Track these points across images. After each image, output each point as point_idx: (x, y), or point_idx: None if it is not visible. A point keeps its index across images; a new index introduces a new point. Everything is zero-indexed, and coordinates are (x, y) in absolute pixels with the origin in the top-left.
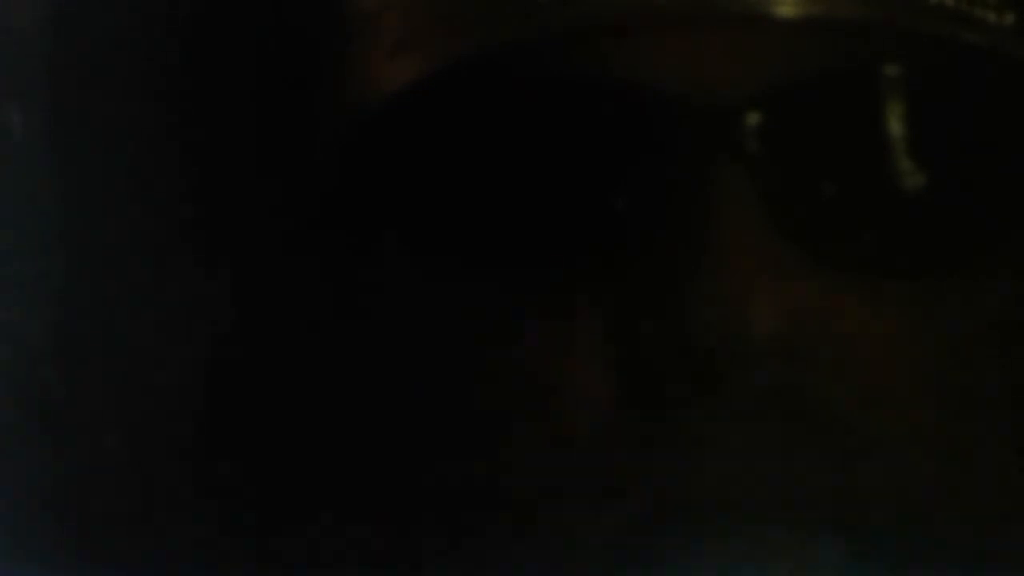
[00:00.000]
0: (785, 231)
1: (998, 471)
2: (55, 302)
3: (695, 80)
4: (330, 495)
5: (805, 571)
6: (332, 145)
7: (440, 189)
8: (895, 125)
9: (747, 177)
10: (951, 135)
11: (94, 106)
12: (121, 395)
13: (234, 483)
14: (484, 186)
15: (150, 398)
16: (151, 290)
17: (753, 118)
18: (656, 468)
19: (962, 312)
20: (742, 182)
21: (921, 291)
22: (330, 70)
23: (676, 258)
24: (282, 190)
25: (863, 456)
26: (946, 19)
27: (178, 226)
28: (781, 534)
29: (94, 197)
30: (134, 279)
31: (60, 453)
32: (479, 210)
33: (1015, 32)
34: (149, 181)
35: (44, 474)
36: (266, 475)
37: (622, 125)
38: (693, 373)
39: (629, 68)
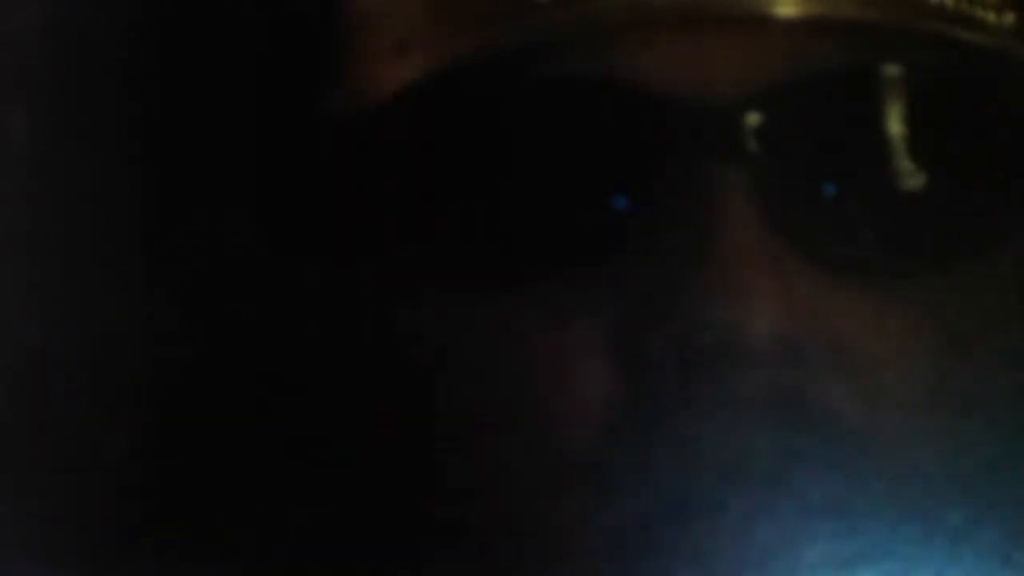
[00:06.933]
0: (785, 231)
1: (999, 470)
2: (56, 302)
3: (695, 80)
4: (328, 495)
5: (804, 572)
6: (332, 145)
7: (440, 189)
8: (895, 125)
9: (747, 177)
10: (951, 135)
11: (94, 106)
12: (122, 397)
13: (233, 484)
14: (483, 186)
15: (150, 400)
16: (150, 291)
17: (753, 118)
18: (656, 468)
19: (962, 312)
20: (742, 182)
21: (921, 291)
22: (330, 70)
23: (676, 258)
24: (282, 191)
25: (863, 456)
26: (946, 19)
27: (176, 226)
28: (780, 534)
29: (93, 197)
30: (133, 280)
31: (59, 453)
32: (478, 210)
33: (1015, 32)
34: (147, 181)
35: (43, 474)
36: (267, 475)
37: (622, 125)
38: (693, 373)
39: (629, 68)
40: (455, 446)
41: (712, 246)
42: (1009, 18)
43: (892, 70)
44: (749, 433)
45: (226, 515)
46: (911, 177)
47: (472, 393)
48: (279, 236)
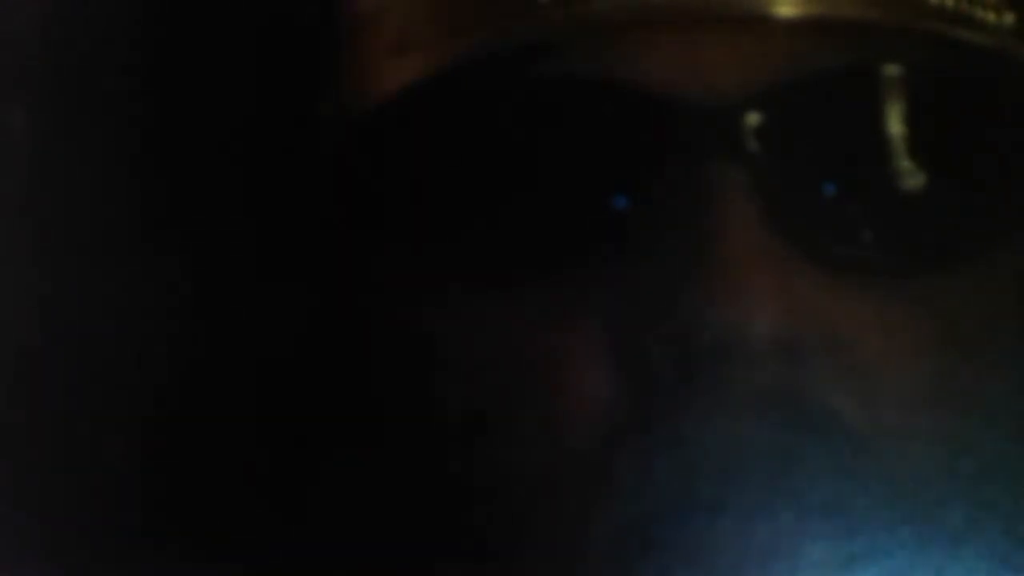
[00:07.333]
0: (785, 231)
1: (999, 470)
2: (56, 302)
3: (695, 80)
4: (327, 496)
5: (804, 572)
6: (332, 145)
7: (440, 189)
8: (895, 125)
9: (747, 177)
10: (951, 135)
11: (94, 106)
12: (122, 396)
13: (233, 485)
14: (484, 186)
15: (150, 400)
16: (151, 291)
17: (753, 118)
18: (656, 468)
19: (962, 311)
20: (742, 182)
21: (921, 290)
22: (330, 70)
23: (676, 258)
24: (281, 191)
25: (863, 456)
26: (946, 19)
27: (176, 227)
28: (780, 534)
29: (93, 197)
30: (133, 280)
31: (57, 454)
32: (478, 210)
33: (1015, 32)
34: (147, 181)
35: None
36: (267, 475)
37: (622, 125)
38: (693, 373)
39: (629, 68)
40: (455, 446)
41: (712, 246)
42: (1009, 18)
43: (892, 70)
44: (749, 433)
45: (226, 515)
46: (911, 177)
47: (472, 393)
48: (279, 236)
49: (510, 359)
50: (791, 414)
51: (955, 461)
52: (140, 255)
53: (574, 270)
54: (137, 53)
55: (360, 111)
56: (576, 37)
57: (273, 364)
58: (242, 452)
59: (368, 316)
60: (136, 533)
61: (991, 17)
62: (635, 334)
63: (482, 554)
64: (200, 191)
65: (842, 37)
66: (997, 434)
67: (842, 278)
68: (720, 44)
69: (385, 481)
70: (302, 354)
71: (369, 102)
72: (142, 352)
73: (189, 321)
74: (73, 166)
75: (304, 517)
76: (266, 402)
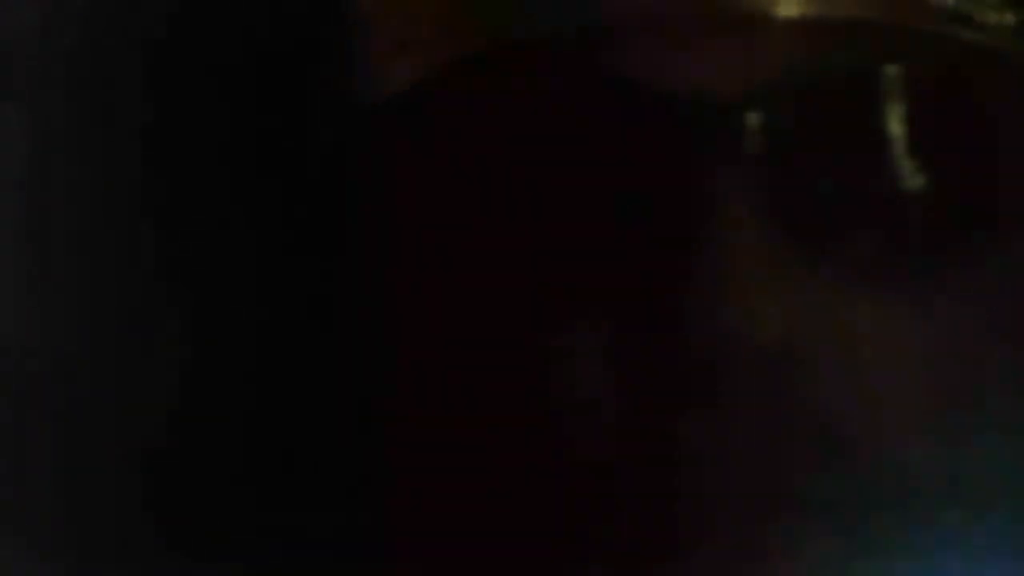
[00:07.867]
0: (785, 231)
1: (999, 470)
2: (56, 302)
3: (695, 80)
4: (327, 497)
5: (804, 572)
6: (331, 146)
7: (439, 189)
8: (895, 125)
9: (747, 177)
10: (951, 135)
11: (94, 106)
12: (122, 397)
13: (233, 484)
14: (483, 186)
15: (151, 400)
16: (152, 291)
17: (753, 118)
18: (656, 468)
19: (962, 312)
20: (742, 182)
21: (921, 291)
22: (330, 70)
23: (676, 259)
24: (281, 190)
25: (863, 456)
26: (946, 19)
27: (176, 226)
28: (781, 534)
29: (93, 197)
30: (134, 280)
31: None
32: (478, 210)
33: (1015, 32)
34: (147, 180)
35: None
36: (267, 475)
37: (621, 125)
38: (693, 374)
39: (629, 68)
40: (455, 446)
41: (712, 246)
42: (1009, 18)
43: (892, 70)
44: (749, 433)
45: (226, 515)
46: (911, 177)
47: (472, 393)
48: (279, 236)
49: (509, 361)
50: (791, 414)
51: (955, 461)
52: (140, 254)
53: (573, 271)
54: (137, 53)
55: (360, 111)
56: (576, 37)
57: (274, 363)
58: (242, 452)
59: (367, 315)
60: (136, 533)
61: (991, 17)
62: (635, 334)
63: (483, 554)
64: (199, 190)
65: (842, 37)
66: (997, 434)
67: (842, 278)
68: (720, 44)
69: (385, 481)
70: (303, 353)
71: (369, 102)
72: (142, 351)
73: (189, 320)
74: (73, 166)
75: (304, 518)
76: (266, 401)
